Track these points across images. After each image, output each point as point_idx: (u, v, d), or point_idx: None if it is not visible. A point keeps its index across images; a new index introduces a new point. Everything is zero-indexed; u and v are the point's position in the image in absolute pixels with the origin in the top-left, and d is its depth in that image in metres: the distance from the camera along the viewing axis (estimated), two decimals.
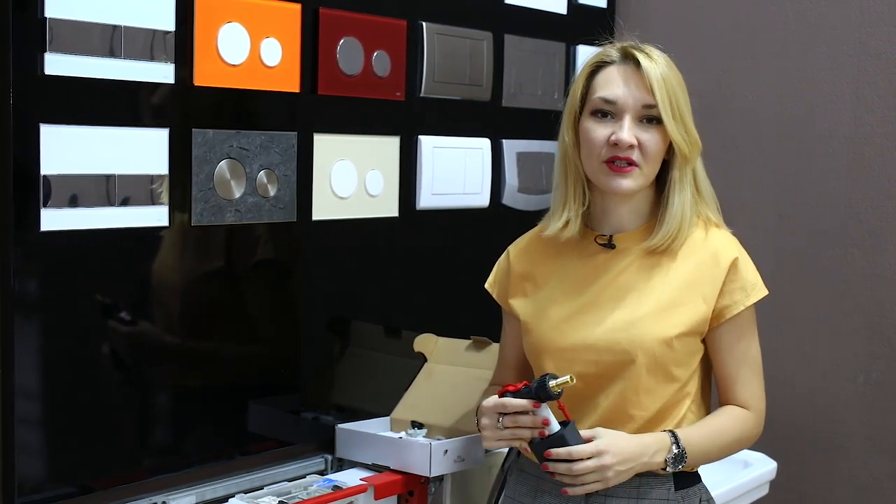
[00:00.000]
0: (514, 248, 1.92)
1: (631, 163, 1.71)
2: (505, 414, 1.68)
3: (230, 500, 1.92)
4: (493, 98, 2.52)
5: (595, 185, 1.77)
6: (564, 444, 1.65)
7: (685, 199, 1.76)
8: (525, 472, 1.84)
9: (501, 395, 1.69)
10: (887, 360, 2.57)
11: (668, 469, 1.70)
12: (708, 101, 2.72)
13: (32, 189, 1.68)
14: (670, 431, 1.71)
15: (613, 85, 1.73)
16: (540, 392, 1.65)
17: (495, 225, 2.51)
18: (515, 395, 1.67)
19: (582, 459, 1.64)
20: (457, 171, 2.42)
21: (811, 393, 2.68)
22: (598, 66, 1.77)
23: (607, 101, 1.73)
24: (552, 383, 1.65)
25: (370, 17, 2.19)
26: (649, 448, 1.68)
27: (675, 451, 1.69)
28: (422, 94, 2.33)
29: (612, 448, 1.65)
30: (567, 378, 1.64)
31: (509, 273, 1.89)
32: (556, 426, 1.67)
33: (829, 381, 2.66)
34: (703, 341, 1.78)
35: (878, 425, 2.60)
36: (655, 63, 1.73)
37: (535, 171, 2.64)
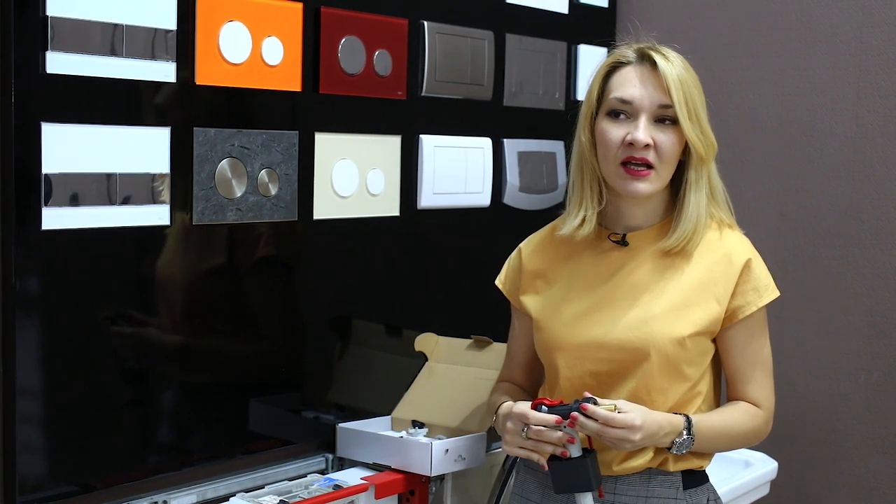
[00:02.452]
0: (525, 246, 1.92)
1: (647, 165, 1.72)
2: (530, 424, 1.68)
3: (231, 499, 1.92)
4: (495, 97, 2.51)
5: (611, 185, 1.78)
6: (586, 471, 1.67)
7: (700, 201, 1.77)
8: (533, 469, 1.84)
9: (535, 407, 1.69)
10: (889, 359, 2.57)
11: (672, 451, 1.72)
12: (709, 100, 2.71)
13: (34, 188, 1.68)
14: (686, 417, 1.72)
15: (629, 85, 1.74)
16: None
17: (496, 224, 2.51)
18: (550, 410, 1.68)
19: (615, 427, 1.64)
20: (458, 171, 2.42)
21: (812, 392, 2.68)
22: (614, 67, 1.78)
23: (623, 102, 1.74)
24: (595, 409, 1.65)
25: (371, 16, 2.19)
26: (664, 429, 1.69)
27: (685, 436, 1.70)
28: (423, 94, 2.33)
29: (645, 426, 1.65)
30: (611, 405, 1.65)
31: (521, 270, 1.90)
32: (578, 451, 1.68)
33: (830, 380, 2.66)
34: (714, 341, 1.78)
35: (879, 425, 2.60)
36: (672, 64, 1.74)
37: (536, 170, 2.64)
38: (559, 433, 1.67)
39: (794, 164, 2.70)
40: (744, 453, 2.47)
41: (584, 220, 1.80)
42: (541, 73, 2.63)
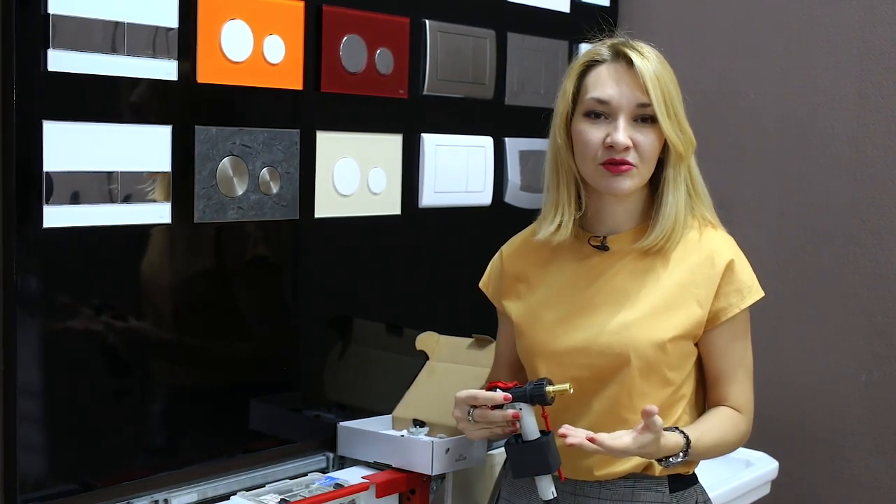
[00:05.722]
0: (507, 248, 1.90)
1: (627, 163, 1.69)
2: (475, 406, 1.67)
3: (231, 498, 1.92)
4: (496, 96, 2.51)
5: (589, 186, 1.75)
6: (544, 453, 1.63)
7: (679, 198, 1.73)
8: None
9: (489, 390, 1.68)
10: (889, 359, 2.57)
11: (661, 464, 1.67)
12: (710, 99, 2.72)
13: (35, 186, 1.68)
14: (686, 439, 1.66)
15: (606, 85, 1.70)
16: (535, 395, 1.65)
17: (498, 223, 2.50)
18: (505, 391, 1.66)
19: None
20: (459, 169, 2.42)
21: (813, 392, 2.68)
22: (588, 66, 1.74)
23: (601, 102, 1.70)
24: (549, 389, 1.64)
25: (373, 14, 2.19)
26: (662, 452, 1.63)
27: (681, 457, 1.66)
28: (424, 92, 2.32)
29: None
30: (566, 386, 1.64)
31: (502, 273, 1.88)
32: (536, 433, 1.66)
33: (830, 380, 2.66)
34: (696, 344, 1.76)
35: (879, 425, 2.59)
36: (648, 61, 1.70)
37: (537, 169, 2.63)
38: (501, 412, 1.65)
39: (795, 163, 2.70)
40: (744, 453, 2.47)
41: (560, 225, 1.76)
42: (542, 72, 2.63)
